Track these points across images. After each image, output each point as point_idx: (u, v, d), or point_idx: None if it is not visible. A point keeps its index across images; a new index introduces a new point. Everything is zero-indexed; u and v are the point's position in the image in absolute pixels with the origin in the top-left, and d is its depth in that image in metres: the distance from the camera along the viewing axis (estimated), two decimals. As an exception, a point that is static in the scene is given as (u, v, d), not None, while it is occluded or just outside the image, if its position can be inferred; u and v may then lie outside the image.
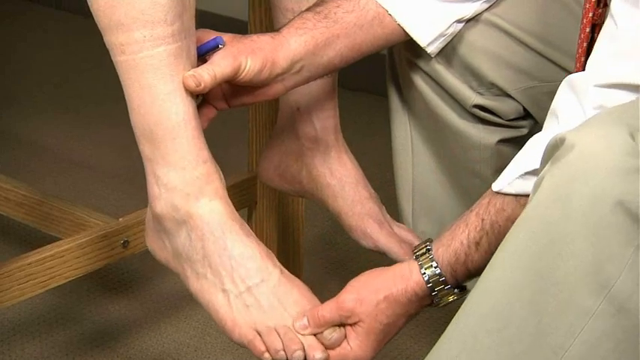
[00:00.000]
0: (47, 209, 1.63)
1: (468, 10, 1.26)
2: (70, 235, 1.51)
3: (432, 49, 1.27)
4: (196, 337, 1.70)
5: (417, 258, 1.12)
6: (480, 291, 0.94)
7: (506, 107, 1.32)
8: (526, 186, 1.04)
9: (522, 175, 1.04)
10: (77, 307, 1.78)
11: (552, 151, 0.92)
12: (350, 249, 1.94)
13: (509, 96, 1.31)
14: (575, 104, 1.01)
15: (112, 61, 1.13)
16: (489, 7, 1.28)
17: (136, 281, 1.84)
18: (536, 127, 1.34)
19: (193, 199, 1.12)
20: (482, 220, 1.08)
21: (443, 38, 1.27)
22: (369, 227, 1.33)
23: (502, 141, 1.34)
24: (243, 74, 1.15)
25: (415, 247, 1.14)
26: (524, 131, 1.35)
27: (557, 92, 1.04)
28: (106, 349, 1.66)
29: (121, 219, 1.54)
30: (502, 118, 1.33)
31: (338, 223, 1.36)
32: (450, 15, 1.25)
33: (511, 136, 1.34)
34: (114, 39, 1.10)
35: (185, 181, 1.12)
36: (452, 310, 1.00)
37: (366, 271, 1.15)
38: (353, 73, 1.80)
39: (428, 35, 1.26)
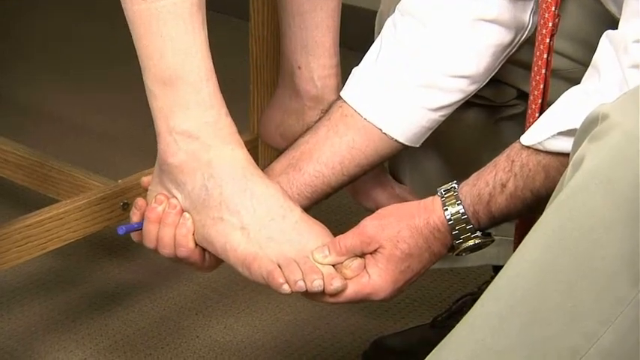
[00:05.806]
0: (46, 171, 1.63)
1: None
2: (69, 198, 1.50)
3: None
4: (197, 301, 1.70)
5: (441, 195, 1.09)
6: (511, 273, 0.91)
7: (501, 93, 1.31)
8: (559, 145, 1.01)
9: (554, 135, 1.01)
10: (76, 270, 1.78)
11: (591, 125, 0.89)
12: (352, 211, 1.93)
13: (504, 83, 1.30)
14: (613, 60, 0.98)
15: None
16: None
17: (136, 244, 1.82)
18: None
19: (215, 149, 1.11)
20: (513, 161, 1.05)
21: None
22: (372, 189, 1.33)
23: (500, 119, 1.33)
24: None
25: (441, 186, 1.11)
26: (521, 109, 1.33)
27: (599, 45, 1.01)
28: (106, 312, 1.66)
29: (120, 181, 1.53)
30: (497, 102, 1.32)
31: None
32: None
33: (507, 114, 1.33)
34: None
35: (208, 132, 1.11)
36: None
37: (392, 204, 1.14)
38: (355, 33, 1.78)
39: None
